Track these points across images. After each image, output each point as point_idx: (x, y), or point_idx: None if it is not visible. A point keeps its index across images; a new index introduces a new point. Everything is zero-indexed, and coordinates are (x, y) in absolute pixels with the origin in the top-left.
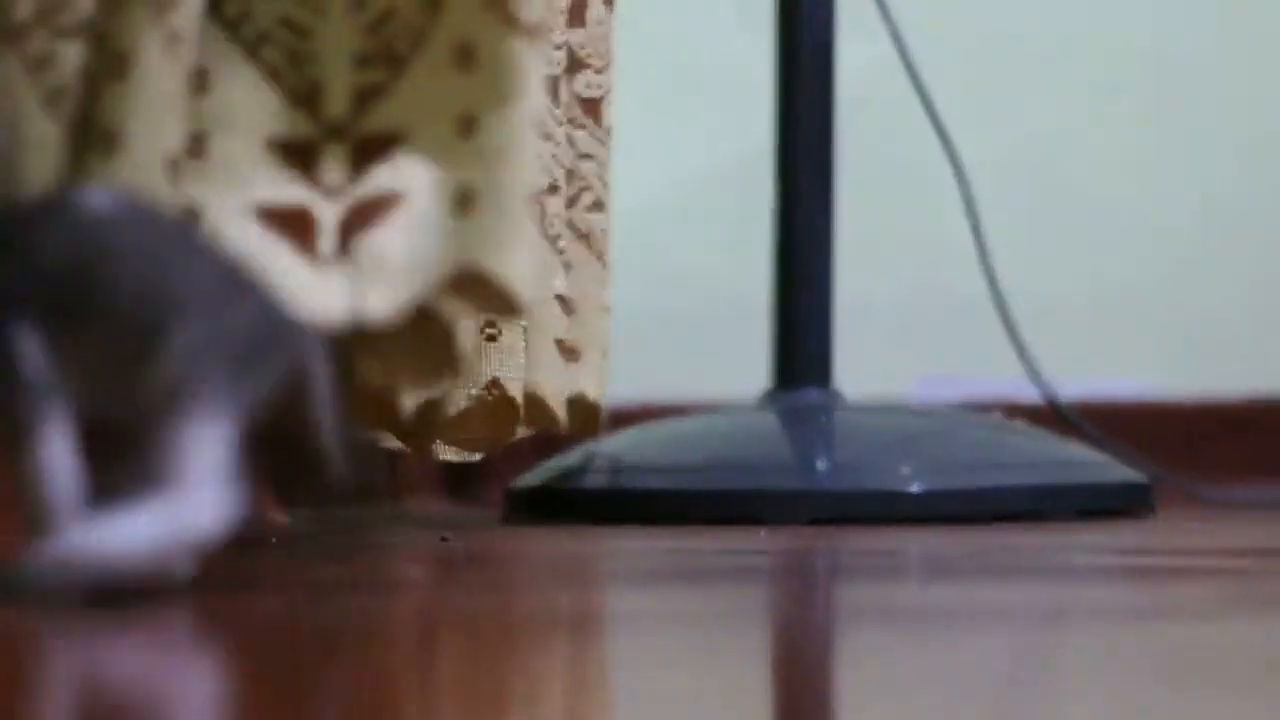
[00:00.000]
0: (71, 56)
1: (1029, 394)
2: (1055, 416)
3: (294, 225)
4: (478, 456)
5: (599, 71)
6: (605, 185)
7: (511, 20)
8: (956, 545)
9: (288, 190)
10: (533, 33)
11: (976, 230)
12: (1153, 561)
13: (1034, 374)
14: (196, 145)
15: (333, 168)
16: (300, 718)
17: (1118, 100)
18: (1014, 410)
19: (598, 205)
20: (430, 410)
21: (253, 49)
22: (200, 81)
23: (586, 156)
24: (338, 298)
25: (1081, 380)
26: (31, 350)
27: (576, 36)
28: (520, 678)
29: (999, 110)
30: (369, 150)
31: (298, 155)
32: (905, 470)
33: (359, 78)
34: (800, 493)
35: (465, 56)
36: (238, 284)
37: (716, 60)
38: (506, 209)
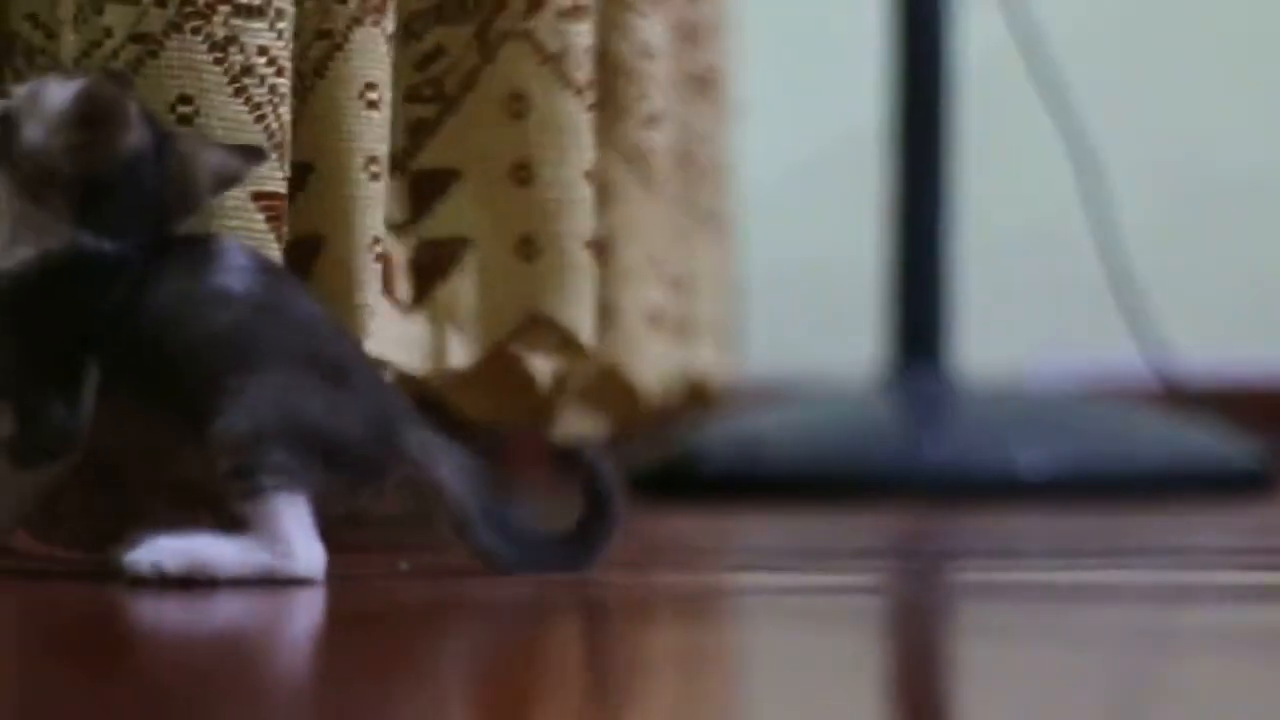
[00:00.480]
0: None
1: (1147, 372)
2: (1174, 396)
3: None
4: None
5: (716, 49)
6: (726, 164)
7: (565, 77)
8: (1073, 527)
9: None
10: (584, 90)
11: (1098, 206)
12: (1273, 542)
13: (1153, 352)
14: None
15: (392, 202)
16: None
17: (1245, 70)
18: (1132, 389)
19: (717, 184)
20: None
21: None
22: None
23: (704, 136)
24: (420, 346)
25: (1201, 359)
26: (85, 388)
27: (692, 13)
28: (643, 655)
29: (1122, 84)
30: (424, 187)
31: None
32: (1022, 452)
33: (408, 112)
34: (917, 474)
35: (517, 104)
36: (338, 372)
37: (833, 33)
38: (566, 257)
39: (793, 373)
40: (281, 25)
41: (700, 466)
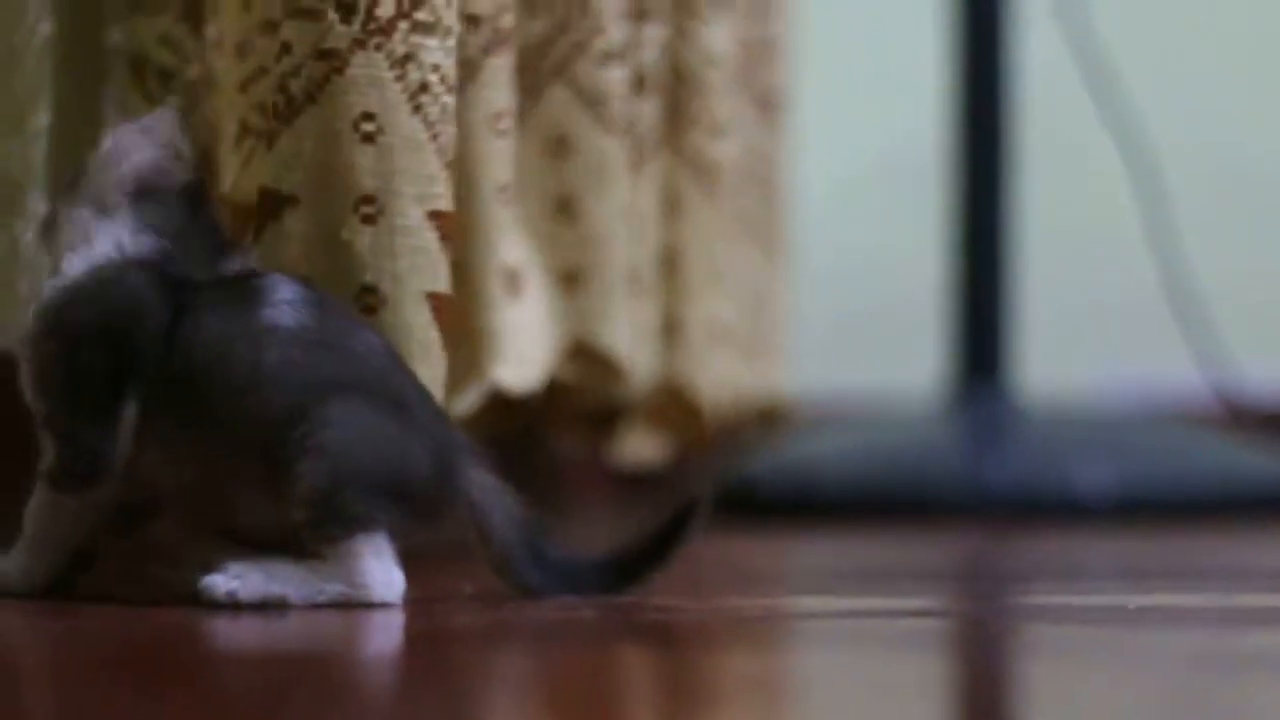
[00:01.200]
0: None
1: (1210, 391)
2: (1237, 415)
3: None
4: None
5: (780, 67)
6: (783, 180)
7: (606, 120)
8: (1136, 549)
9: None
10: (622, 133)
11: (1158, 223)
12: None
13: (1216, 371)
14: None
15: None
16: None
17: None
18: (1194, 408)
19: (779, 201)
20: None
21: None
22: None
23: (767, 154)
24: (486, 369)
25: (1266, 376)
26: (125, 417)
27: (757, 31)
28: (709, 680)
29: (1182, 97)
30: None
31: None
32: (1084, 473)
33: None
34: (978, 496)
35: (560, 146)
36: (401, 407)
37: (893, 49)
38: (607, 288)
39: (852, 393)
40: (450, 43)
41: (760, 489)
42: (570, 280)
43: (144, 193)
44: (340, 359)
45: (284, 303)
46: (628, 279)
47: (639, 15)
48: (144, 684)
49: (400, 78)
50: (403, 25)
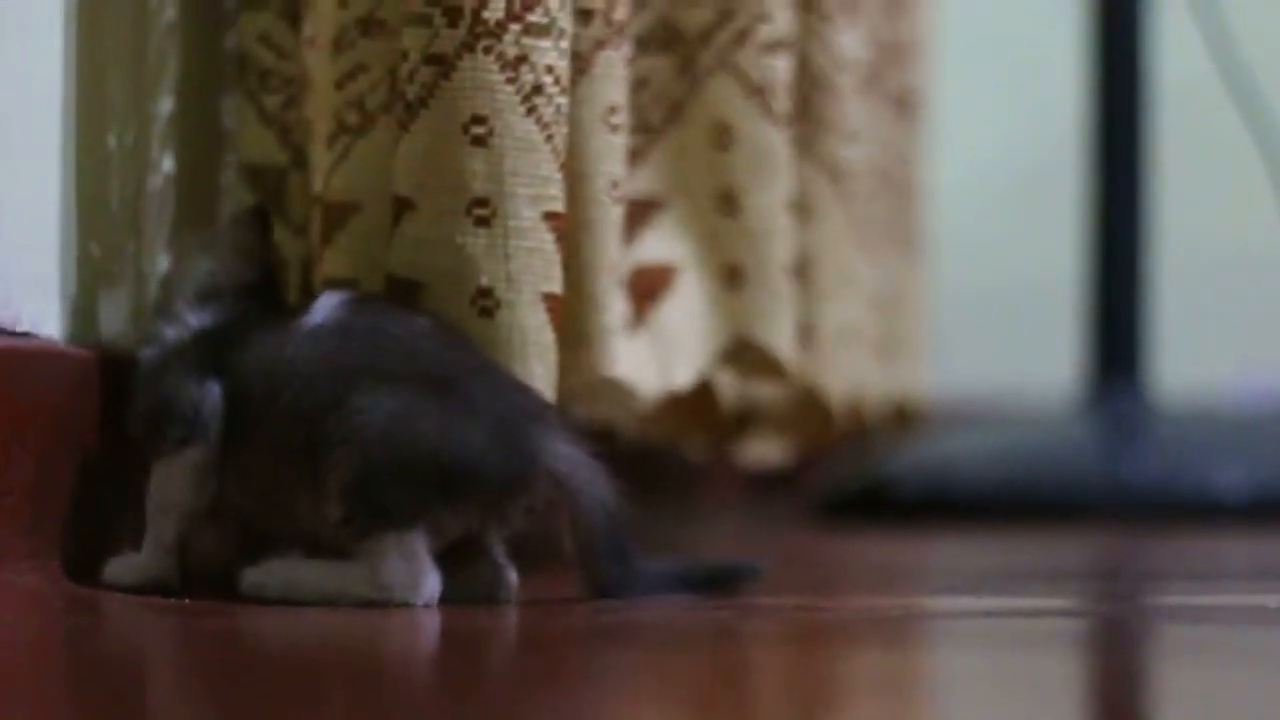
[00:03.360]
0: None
1: None
2: None
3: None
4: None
5: (916, 69)
6: (919, 181)
7: (767, 109)
8: (1273, 549)
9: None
10: (786, 124)
11: None
12: None
13: None
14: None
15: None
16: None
17: None
18: None
19: (915, 203)
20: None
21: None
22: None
23: (903, 156)
24: (645, 366)
25: None
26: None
27: (893, 33)
28: (845, 679)
29: None
30: (632, 214)
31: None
32: (1220, 472)
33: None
34: (1114, 495)
35: (722, 135)
36: (448, 387)
37: (1031, 52)
38: (769, 284)
39: (989, 393)
40: (564, 44)
41: (894, 489)
42: (730, 276)
43: (206, 297)
44: (371, 346)
45: (320, 307)
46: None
47: (805, 6)
48: (301, 685)
49: (512, 80)
50: (514, 28)
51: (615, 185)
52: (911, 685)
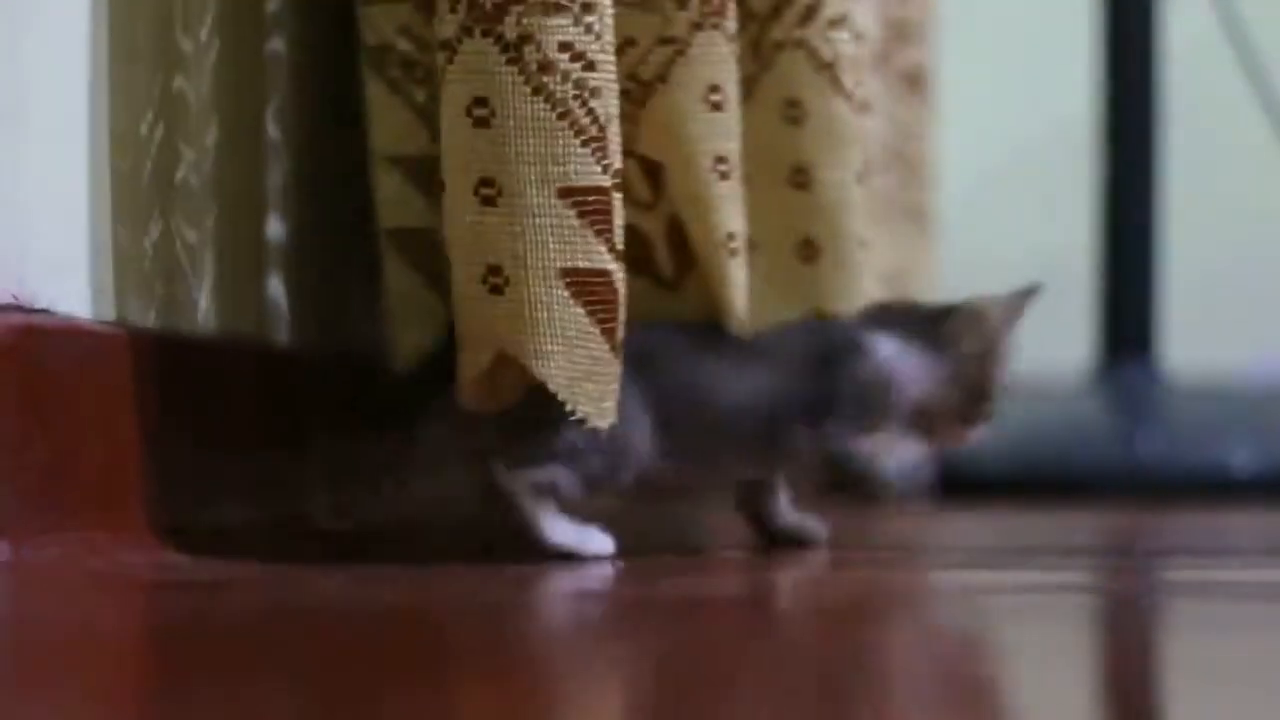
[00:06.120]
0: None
1: None
2: None
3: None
4: None
5: (925, 46)
6: (933, 160)
7: (838, 83)
8: None
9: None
10: (854, 96)
11: None
12: None
13: None
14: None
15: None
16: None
17: None
18: None
19: (924, 180)
20: None
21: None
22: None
23: (912, 133)
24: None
25: None
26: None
27: (902, 10)
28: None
29: None
30: None
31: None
32: (1233, 449)
33: None
34: (1127, 472)
35: (793, 109)
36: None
37: (1041, 28)
38: (844, 258)
39: None
40: (592, 19)
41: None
42: (803, 251)
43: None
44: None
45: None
46: (860, 248)
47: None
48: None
49: (515, 60)
50: (515, 9)
51: (722, 160)
52: (924, 659)
